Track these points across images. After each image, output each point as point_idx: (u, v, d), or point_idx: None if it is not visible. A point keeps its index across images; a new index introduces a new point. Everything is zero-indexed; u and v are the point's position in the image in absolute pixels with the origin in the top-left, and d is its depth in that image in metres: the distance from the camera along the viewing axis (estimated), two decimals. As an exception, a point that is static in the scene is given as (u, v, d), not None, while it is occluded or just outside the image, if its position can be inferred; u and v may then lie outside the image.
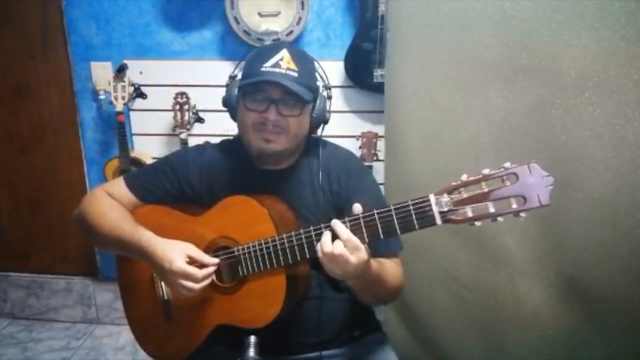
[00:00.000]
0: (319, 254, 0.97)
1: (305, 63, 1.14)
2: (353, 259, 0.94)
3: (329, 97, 1.23)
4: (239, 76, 1.19)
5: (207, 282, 1.08)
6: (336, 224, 0.96)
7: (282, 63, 1.10)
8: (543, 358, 1.43)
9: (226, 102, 1.20)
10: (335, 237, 0.96)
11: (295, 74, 1.10)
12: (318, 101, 1.19)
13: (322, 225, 0.99)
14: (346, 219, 0.97)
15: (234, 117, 1.21)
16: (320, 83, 1.22)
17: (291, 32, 1.95)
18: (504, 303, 1.46)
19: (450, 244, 1.53)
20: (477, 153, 1.41)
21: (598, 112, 1.19)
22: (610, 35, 1.14)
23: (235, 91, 1.17)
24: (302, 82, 1.10)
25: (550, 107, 1.26)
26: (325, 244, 0.95)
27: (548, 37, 1.23)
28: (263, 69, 1.10)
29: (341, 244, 0.94)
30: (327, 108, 1.21)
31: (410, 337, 1.77)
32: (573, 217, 1.27)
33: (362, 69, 1.95)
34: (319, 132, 1.26)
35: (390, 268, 1.13)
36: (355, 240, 0.94)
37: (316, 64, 1.21)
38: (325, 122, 1.22)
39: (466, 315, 1.57)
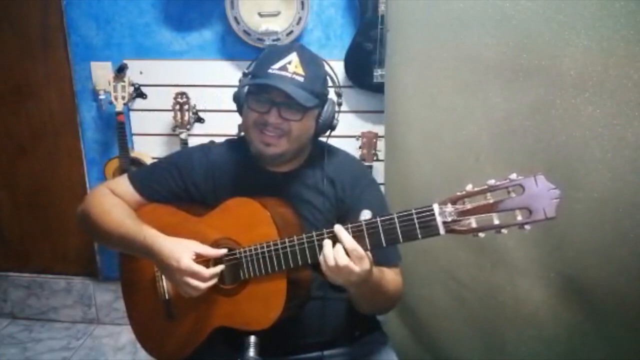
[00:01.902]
0: (323, 267, 0.96)
1: (314, 68, 1.13)
2: (357, 269, 0.94)
3: (339, 104, 1.22)
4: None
5: (213, 281, 1.08)
6: (340, 230, 0.95)
7: (290, 67, 1.10)
8: (543, 358, 1.42)
9: (235, 97, 1.20)
10: (335, 242, 0.96)
11: (301, 79, 1.09)
12: (326, 106, 1.18)
13: (325, 231, 0.99)
14: (349, 225, 0.96)
15: (241, 113, 1.21)
16: (330, 88, 1.21)
17: (291, 32, 1.95)
18: (504, 303, 1.46)
19: (450, 244, 1.53)
20: (477, 153, 1.41)
21: (598, 112, 1.19)
22: (610, 35, 1.14)
23: (244, 89, 1.16)
24: (307, 87, 1.10)
25: (550, 107, 1.26)
26: (329, 258, 0.94)
27: (548, 37, 1.22)
28: (270, 70, 1.10)
29: (344, 255, 0.93)
30: (336, 114, 1.20)
31: (410, 337, 1.77)
32: (573, 217, 1.26)
33: (362, 69, 1.95)
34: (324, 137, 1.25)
35: (389, 276, 1.13)
36: (360, 250, 0.94)
37: (327, 69, 1.20)
38: (332, 128, 1.21)
39: (466, 315, 1.57)
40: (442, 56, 1.43)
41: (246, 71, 1.20)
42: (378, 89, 1.87)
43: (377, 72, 1.91)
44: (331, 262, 0.94)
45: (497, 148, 1.37)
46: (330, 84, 1.21)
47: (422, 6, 1.45)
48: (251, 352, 1.06)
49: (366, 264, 0.95)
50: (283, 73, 1.09)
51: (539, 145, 1.30)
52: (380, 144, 1.91)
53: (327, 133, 1.22)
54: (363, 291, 1.05)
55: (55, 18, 2.11)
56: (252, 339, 1.08)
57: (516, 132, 1.33)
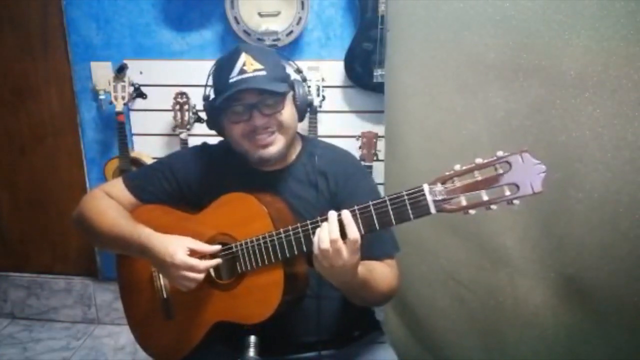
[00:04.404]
0: (314, 242, 0.96)
1: (268, 58, 1.14)
2: (346, 254, 0.94)
3: (304, 80, 1.22)
4: (212, 95, 1.20)
5: (205, 272, 1.09)
6: (346, 217, 0.95)
7: (247, 67, 1.09)
8: (543, 358, 1.42)
9: (210, 123, 1.21)
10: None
11: (264, 72, 1.10)
12: (297, 87, 1.19)
13: (319, 218, 0.99)
14: (342, 210, 0.97)
15: (223, 135, 1.22)
16: (290, 70, 1.22)
17: (291, 32, 1.95)
18: (504, 303, 1.46)
19: (450, 244, 1.53)
20: (477, 153, 1.41)
21: (598, 112, 1.19)
22: (610, 35, 1.14)
23: (214, 111, 1.17)
24: (273, 77, 1.11)
25: (550, 107, 1.26)
26: (323, 240, 0.94)
27: (548, 37, 1.23)
28: (231, 80, 1.10)
29: (337, 232, 0.94)
30: (307, 91, 1.21)
31: (410, 337, 1.77)
32: (573, 217, 1.26)
33: (362, 69, 1.95)
34: (320, 130, 1.26)
35: (380, 273, 1.12)
36: (358, 243, 0.94)
37: (278, 54, 1.21)
38: (310, 104, 1.22)
39: (466, 315, 1.57)
40: (442, 56, 1.43)
41: (205, 96, 1.21)
42: (378, 89, 1.87)
43: (377, 72, 1.91)
44: (324, 245, 0.93)
45: (497, 148, 1.35)
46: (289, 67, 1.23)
47: (422, 6, 1.45)
48: (251, 352, 1.06)
49: (356, 258, 0.96)
50: (244, 76, 1.09)
51: (539, 145, 1.29)
52: (380, 144, 1.91)
53: (316, 116, 1.24)
54: (348, 288, 1.06)
55: (55, 18, 2.11)
56: (252, 339, 1.08)
57: (516, 132, 1.33)
